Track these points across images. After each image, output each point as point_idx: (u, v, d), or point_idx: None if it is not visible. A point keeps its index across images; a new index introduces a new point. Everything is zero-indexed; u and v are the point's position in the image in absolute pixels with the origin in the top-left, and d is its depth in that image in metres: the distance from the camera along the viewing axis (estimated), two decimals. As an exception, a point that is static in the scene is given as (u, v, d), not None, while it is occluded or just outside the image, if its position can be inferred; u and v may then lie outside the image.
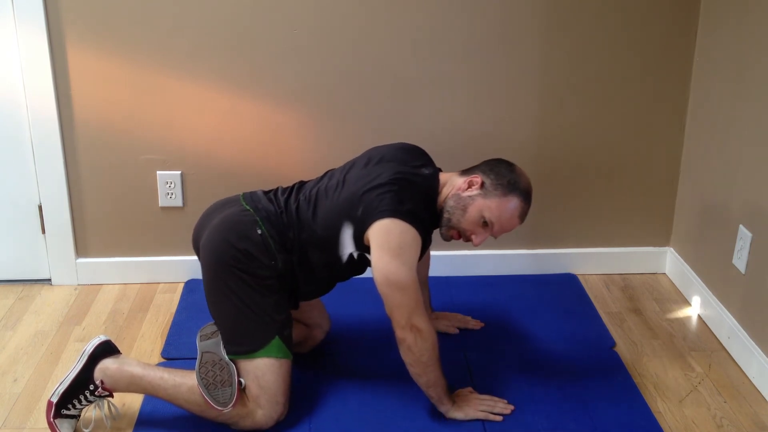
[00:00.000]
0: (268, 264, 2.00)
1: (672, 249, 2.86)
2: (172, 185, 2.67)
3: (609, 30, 2.58)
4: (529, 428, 2.03)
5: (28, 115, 2.56)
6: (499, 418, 2.05)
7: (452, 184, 2.06)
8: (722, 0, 2.46)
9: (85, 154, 2.62)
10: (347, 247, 1.99)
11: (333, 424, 2.04)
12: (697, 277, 2.65)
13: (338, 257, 2.02)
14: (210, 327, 2.12)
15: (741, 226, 2.35)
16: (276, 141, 2.65)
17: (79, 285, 2.76)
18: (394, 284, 1.88)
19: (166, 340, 2.42)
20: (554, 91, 2.64)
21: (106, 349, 2.01)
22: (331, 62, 2.57)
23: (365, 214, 1.94)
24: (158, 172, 2.66)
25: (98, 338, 2.02)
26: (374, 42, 2.56)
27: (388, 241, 1.90)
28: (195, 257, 2.80)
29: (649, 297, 2.73)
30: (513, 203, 2.02)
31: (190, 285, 2.74)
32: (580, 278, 2.84)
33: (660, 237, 2.87)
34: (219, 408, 1.91)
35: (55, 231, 2.70)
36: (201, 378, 1.94)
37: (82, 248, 2.74)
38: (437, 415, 2.06)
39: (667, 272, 2.88)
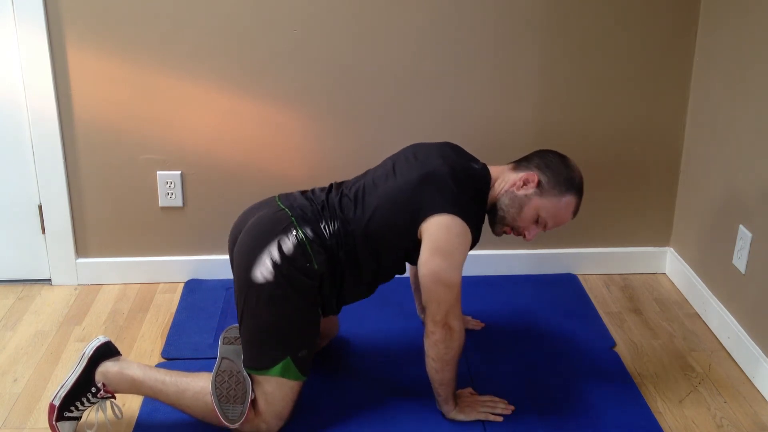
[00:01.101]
0: (304, 266, 1.91)
1: (672, 249, 2.86)
2: (172, 185, 2.67)
3: (609, 30, 2.58)
4: (529, 428, 2.03)
5: (28, 115, 2.56)
6: (499, 419, 2.05)
7: (505, 179, 2.03)
8: (722, 0, 2.46)
9: (85, 154, 2.62)
10: (400, 239, 1.94)
11: (333, 425, 2.04)
12: (697, 277, 2.65)
13: (389, 250, 1.96)
14: (235, 330, 2.06)
15: (741, 226, 2.35)
16: (276, 141, 2.65)
17: (79, 285, 2.76)
18: (441, 281, 1.87)
19: (166, 340, 2.42)
20: (554, 91, 2.64)
21: (107, 351, 1.98)
22: (332, 62, 2.57)
23: (423, 206, 1.89)
24: (158, 172, 2.66)
25: (98, 339, 2.00)
26: (375, 42, 2.56)
27: (444, 238, 1.87)
28: (195, 257, 2.82)
29: (649, 297, 2.73)
30: (568, 201, 2.00)
31: (190, 285, 2.74)
32: (580, 278, 2.84)
33: (660, 237, 2.87)
34: (227, 424, 1.89)
35: (55, 231, 2.69)
36: (215, 388, 1.91)
37: (82, 248, 2.74)
38: (437, 416, 2.06)
39: (667, 272, 2.88)
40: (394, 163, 2.06)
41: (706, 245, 2.60)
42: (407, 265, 2.09)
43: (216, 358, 2.01)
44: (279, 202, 2.03)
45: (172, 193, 2.68)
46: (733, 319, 2.39)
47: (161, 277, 2.79)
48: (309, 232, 1.94)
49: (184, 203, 2.70)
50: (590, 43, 2.60)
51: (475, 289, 2.73)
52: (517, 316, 2.57)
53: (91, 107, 2.57)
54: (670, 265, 2.86)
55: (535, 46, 2.58)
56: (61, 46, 2.49)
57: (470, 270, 2.80)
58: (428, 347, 1.94)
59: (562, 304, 2.65)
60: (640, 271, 2.89)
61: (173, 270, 2.78)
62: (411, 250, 1.95)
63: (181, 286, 2.76)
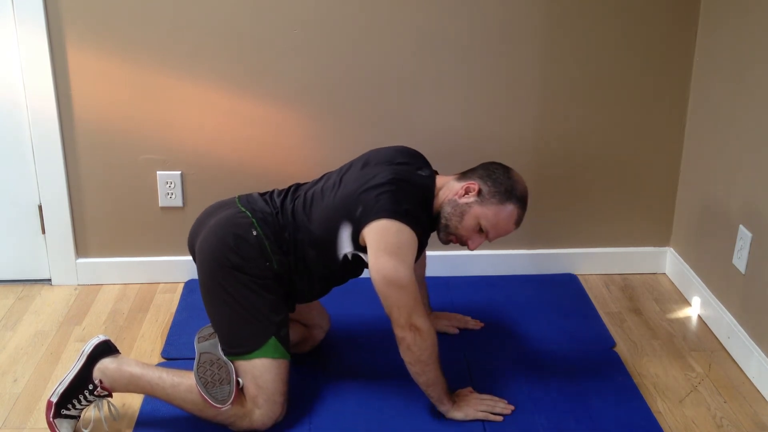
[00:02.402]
0: (264, 265, 2.00)
1: (672, 249, 2.86)
2: (172, 185, 2.67)
3: (609, 30, 2.58)
4: (529, 428, 2.03)
5: (28, 115, 2.56)
6: (499, 419, 2.05)
7: (449, 188, 2.06)
8: (722, 0, 2.46)
9: (85, 154, 2.62)
10: (343, 247, 1.99)
11: (332, 424, 2.04)
12: (697, 277, 2.65)
13: (334, 258, 2.01)
14: (207, 329, 2.13)
15: (741, 226, 2.35)
16: (276, 141, 2.65)
17: (79, 285, 2.76)
18: (393, 283, 1.88)
19: (166, 340, 2.42)
20: (554, 91, 2.64)
21: (105, 349, 2.00)
22: (332, 62, 2.57)
23: (362, 213, 1.94)
24: (158, 172, 2.66)
25: (97, 338, 2.02)
26: (375, 42, 2.56)
27: (385, 240, 1.90)
28: (195, 257, 2.79)
29: (649, 297, 2.73)
30: (509, 210, 2.02)
31: (190, 285, 2.74)
32: (580, 278, 2.84)
33: (660, 237, 2.87)
34: (217, 406, 1.91)
35: (55, 231, 2.70)
36: (199, 377, 1.94)
37: (82, 248, 2.74)
38: (437, 416, 2.06)
39: (667, 272, 2.88)
40: (345, 170, 2.11)
41: (706, 245, 2.60)
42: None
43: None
44: (239, 204, 2.09)
45: (172, 193, 2.69)
46: (733, 320, 2.39)
47: (161, 277, 2.79)
48: (270, 234, 2.02)
49: (184, 203, 2.70)
50: (590, 43, 2.60)
51: (475, 289, 2.74)
52: (517, 316, 2.57)
53: (91, 107, 2.57)
54: (670, 265, 2.86)
55: (536, 45, 2.58)
56: (61, 46, 2.49)
57: (470, 270, 2.83)
58: (403, 354, 1.96)
59: (562, 304, 2.65)
60: (640, 271, 2.89)
61: (173, 270, 2.78)
62: (358, 258, 1.99)
63: (181, 286, 2.76)
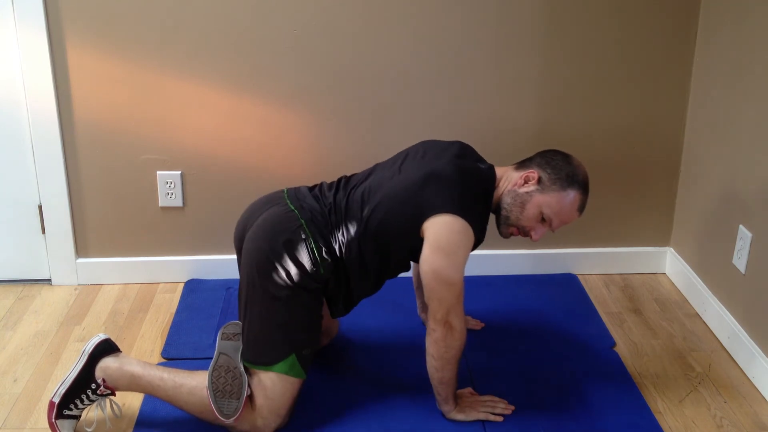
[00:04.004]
0: (311, 270, 1.94)
1: (672, 249, 2.86)
2: (172, 185, 2.67)
3: (609, 30, 2.59)
4: (529, 428, 2.03)
5: (28, 115, 2.56)
6: (499, 419, 2.05)
7: (508, 179, 2.03)
8: (722, 0, 2.46)
9: (85, 154, 2.62)
10: (402, 238, 1.95)
11: (333, 425, 2.04)
12: (697, 277, 2.65)
13: (391, 250, 1.98)
14: (233, 326, 2.08)
15: (741, 226, 2.35)
16: (276, 141, 2.65)
17: (79, 285, 2.76)
18: (442, 280, 1.87)
19: (166, 340, 2.42)
20: (554, 91, 2.64)
21: (106, 348, 2.00)
22: (331, 62, 2.57)
23: (425, 205, 1.90)
24: (158, 172, 2.66)
25: (98, 337, 2.01)
26: (375, 42, 2.56)
27: (446, 237, 1.87)
28: (195, 257, 2.82)
29: (649, 297, 2.73)
30: (571, 197, 1.99)
31: (190, 285, 2.74)
32: (580, 278, 2.84)
33: (660, 237, 2.87)
34: (221, 419, 1.89)
35: (55, 231, 2.69)
36: (212, 382, 1.92)
37: (82, 248, 2.74)
38: (437, 416, 2.06)
39: (667, 272, 2.88)
40: (402, 160, 2.07)
41: (706, 245, 2.60)
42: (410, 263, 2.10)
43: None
44: (288, 201, 2.04)
45: (172, 193, 2.68)
46: (733, 319, 2.39)
47: (161, 277, 2.79)
48: (318, 237, 1.96)
49: (184, 203, 2.70)
50: (590, 43, 2.60)
51: (475, 289, 2.73)
52: (517, 316, 2.57)
53: (91, 107, 2.57)
54: (670, 265, 2.86)
55: (536, 46, 2.58)
56: (61, 46, 2.49)
57: (471, 270, 2.80)
58: (429, 345, 1.95)
59: (562, 304, 2.65)
60: (640, 271, 2.89)
61: (173, 270, 2.78)
62: (415, 249, 1.95)
63: (181, 286, 2.76)
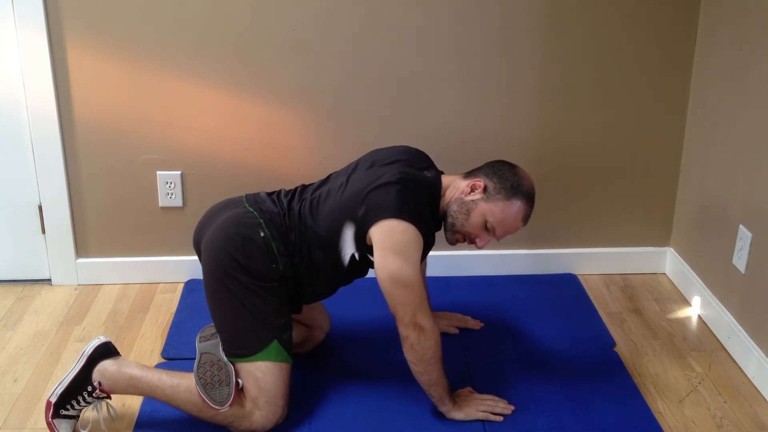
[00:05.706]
0: (270, 267, 2.00)
1: (672, 249, 2.86)
2: (172, 185, 2.67)
3: (609, 30, 2.59)
4: (529, 428, 2.03)
5: (28, 115, 2.56)
6: (499, 419, 2.05)
7: (455, 187, 2.07)
8: (722, 0, 2.46)
9: (85, 154, 2.62)
10: (349, 247, 1.99)
11: (333, 425, 2.04)
12: (697, 277, 2.65)
13: (341, 257, 2.02)
14: (209, 329, 2.13)
15: (741, 226, 2.35)
16: (276, 141, 2.65)
17: (79, 285, 2.76)
18: (398, 282, 1.88)
19: (166, 340, 2.42)
20: (555, 91, 2.64)
21: (106, 351, 2.00)
22: (332, 62, 2.57)
23: (368, 213, 1.94)
24: (158, 172, 2.66)
25: (98, 339, 2.02)
26: (375, 42, 2.56)
27: (391, 239, 1.90)
28: (195, 257, 2.81)
29: (649, 297, 2.73)
30: (516, 207, 2.02)
31: (190, 285, 2.74)
32: (580, 278, 2.84)
33: (660, 237, 2.87)
34: (216, 407, 1.91)
35: (55, 231, 2.69)
36: (199, 378, 1.94)
37: (82, 248, 2.74)
38: (437, 416, 2.06)
39: (667, 272, 2.88)
40: (351, 170, 2.11)
41: (706, 245, 2.60)
42: None
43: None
44: (247, 204, 2.09)
45: (172, 193, 2.69)
46: (733, 319, 2.39)
47: (161, 277, 2.79)
48: (276, 235, 2.01)
49: (184, 203, 2.70)
50: (590, 44, 2.60)
51: (475, 289, 2.74)
52: (517, 316, 2.57)
53: (91, 107, 2.57)
54: (670, 265, 2.86)
55: (536, 46, 2.58)
56: (61, 46, 2.49)
57: (470, 270, 2.83)
58: (406, 353, 1.96)
59: (562, 304, 2.65)
60: (640, 271, 2.89)
61: (173, 270, 2.78)
62: (364, 256, 2.00)
63: (181, 286, 2.76)
